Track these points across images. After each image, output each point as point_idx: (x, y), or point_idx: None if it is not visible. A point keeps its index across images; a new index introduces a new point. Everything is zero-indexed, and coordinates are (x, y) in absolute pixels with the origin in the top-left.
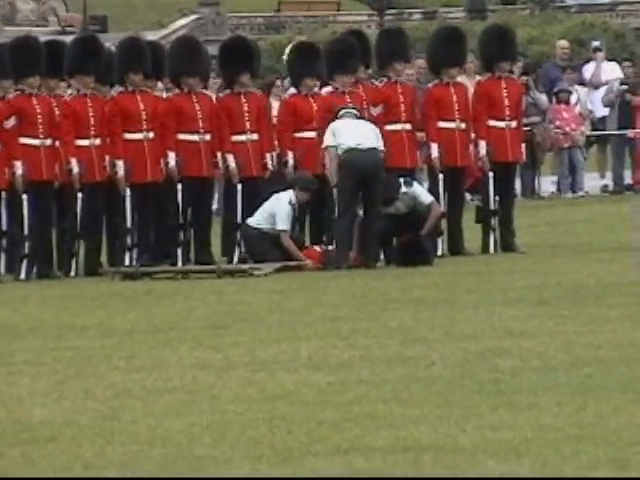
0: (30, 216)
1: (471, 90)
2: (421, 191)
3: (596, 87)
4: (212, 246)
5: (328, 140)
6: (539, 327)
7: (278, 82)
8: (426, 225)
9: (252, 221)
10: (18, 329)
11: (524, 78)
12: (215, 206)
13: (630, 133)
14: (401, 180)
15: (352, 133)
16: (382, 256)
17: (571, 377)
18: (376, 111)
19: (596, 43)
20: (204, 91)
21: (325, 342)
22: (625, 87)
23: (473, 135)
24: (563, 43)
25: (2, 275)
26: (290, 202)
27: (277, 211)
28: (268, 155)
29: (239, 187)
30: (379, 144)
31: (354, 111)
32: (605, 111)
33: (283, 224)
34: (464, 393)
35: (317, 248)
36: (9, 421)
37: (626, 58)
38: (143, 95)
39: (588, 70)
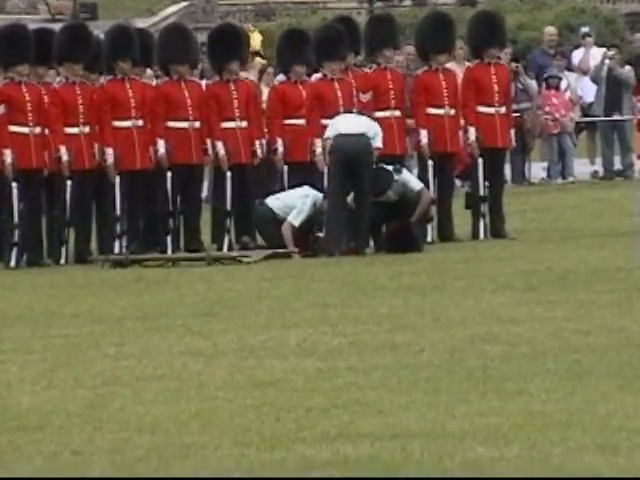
0: (20, 204)
1: (460, 76)
2: (410, 178)
3: (584, 73)
4: (202, 233)
5: (327, 133)
6: (528, 313)
7: (269, 69)
8: (416, 212)
9: (271, 202)
10: (7, 317)
11: (514, 64)
12: (205, 193)
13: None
14: (390, 168)
15: (344, 122)
16: (372, 243)
17: (560, 363)
18: (365, 98)
19: (585, 29)
20: (193, 78)
21: (314, 329)
22: (613, 58)
23: (462, 121)
24: (551, 30)
25: None
26: (315, 204)
27: (297, 205)
28: (257, 142)
29: (228, 174)
30: (370, 133)
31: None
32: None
33: (295, 219)
34: (453, 379)
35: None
36: None
37: (613, 44)
38: (132, 83)
39: (577, 56)
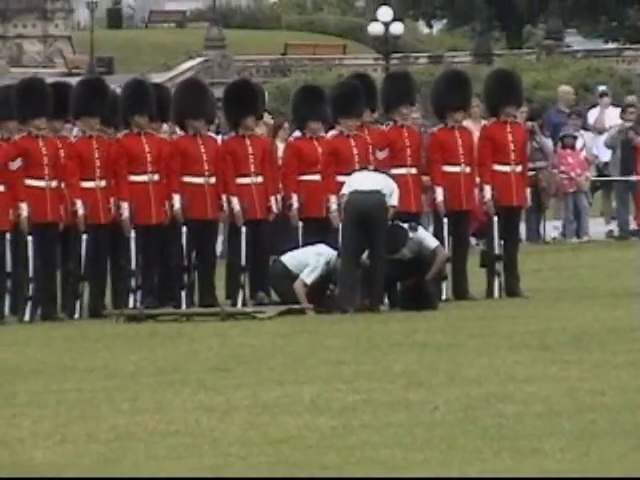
0: (35, 258)
1: (476, 134)
2: (426, 235)
3: (600, 132)
4: (216, 289)
5: (343, 190)
6: (543, 372)
7: (285, 125)
8: (431, 269)
9: (285, 259)
10: (21, 370)
11: (529, 123)
12: (219, 249)
13: (635, 178)
14: (406, 226)
15: (361, 179)
16: (386, 300)
17: (575, 423)
18: (382, 155)
19: (602, 88)
20: (209, 134)
21: (328, 386)
22: (629, 125)
23: (478, 179)
24: (567, 88)
25: (6, 316)
26: (328, 263)
27: (311, 263)
28: (272, 198)
29: (243, 230)
30: (386, 191)
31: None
32: (610, 156)
33: (308, 277)
34: (467, 438)
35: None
36: (11, 463)
37: (629, 104)
38: (148, 137)
39: (593, 115)
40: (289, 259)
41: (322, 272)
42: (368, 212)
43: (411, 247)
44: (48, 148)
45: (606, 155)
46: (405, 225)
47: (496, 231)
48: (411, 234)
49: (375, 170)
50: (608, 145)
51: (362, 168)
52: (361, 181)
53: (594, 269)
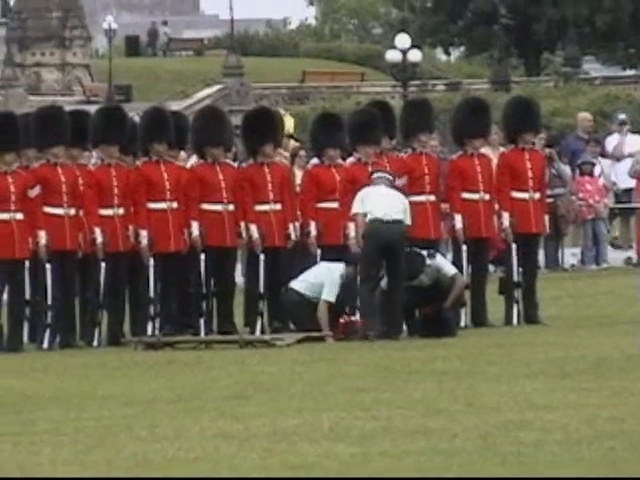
0: (53, 285)
1: (494, 161)
2: (444, 263)
3: (618, 159)
4: (234, 316)
5: (357, 207)
6: (562, 400)
7: (302, 152)
8: (450, 296)
9: (297, 286)
10: (40, 398)
11: (547, 150)
12: (238, 276)
13: None
14: (424, 253)
15: (380, 203)
16: (405, 327)
17: (594, 450)
18: (400, 182)
19: (622, 116)
20: (227, 161)
21: (347, 413)
22: None
23: (496, 206)
24: (585, 115)
25: (25, 344)
26: (342, 276)
27: (326, 281)
28: (291, 225)
29: (262, 257)
30: (405, 217)
31: (388, 176)
32: (629, 183)
33: (330, 295)
34: (487, 465)
35: (340, 319)
36: None
37: None
38: (167, 165)
39: (611, 142)
40: (300, 284)
41: (340, 286)
42: (391, 243)
43: (429, 274)
44: (67, 176)
45: (624, 182)
46: (424, 252)
47: (515, 258)
48: (429, 261)
49: (388, 185)
50: (632, 175)
51: (374, 172)
52: (380, 207)
53: (613, 296)
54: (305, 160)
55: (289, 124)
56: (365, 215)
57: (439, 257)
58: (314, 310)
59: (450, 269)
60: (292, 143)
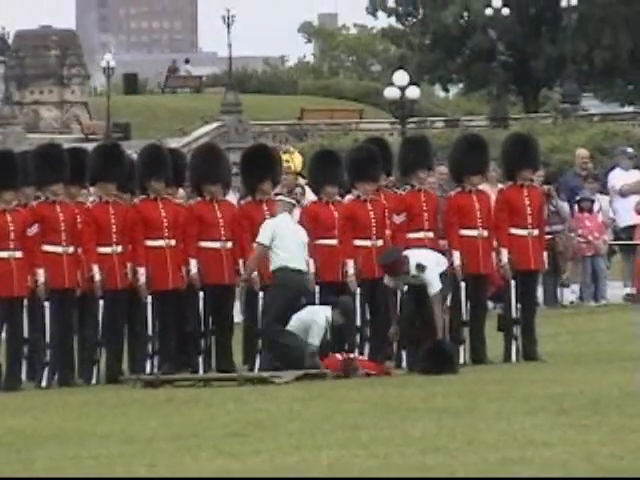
0: (52, 323)
1: (493, 198)
2: (431, 280)
3: (624, 196)
4: (233, 354)
5: (263, 237)
6: (561, 437)
7: (298, 189)
8: (436, 327)
9: (289, 327)
10: (39, 436)
11: (546, 187)
12: (237, 314)
13: None
14: (414, 263)
15: (289, 247)
16: (404, 364)
17: None
18: (399, 219)
19: (630, 150)
20: (226, 198)
21: (346, 450)
22: None
23: (495, 243)
24: (582, 152)
25: (23, 382)
26: (327, 320)
27: (312, 325)
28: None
29: (260, 295)
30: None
31: (291, 200)
32: (629, 220)
33: (315, 339)
34: None
35: (338, 356)
36: None
37: None
38: (164, 202)
39: (615, 177)
40: (294, 325)
41: (324, 331)
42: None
43: (411, 282)
44: (65, 214)
45: (624, 219)
46: (413, 263)
47: (513, 295)
48: (417, 273)
49: (292, 208)
50: (623, 193)
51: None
52: (291, 252)
53: (612, 333)
54: (302, 197)
55: (297, 161)
56: (268, 248)
57: (428, 272)
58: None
59: (433, 288)
60: (300, 180)
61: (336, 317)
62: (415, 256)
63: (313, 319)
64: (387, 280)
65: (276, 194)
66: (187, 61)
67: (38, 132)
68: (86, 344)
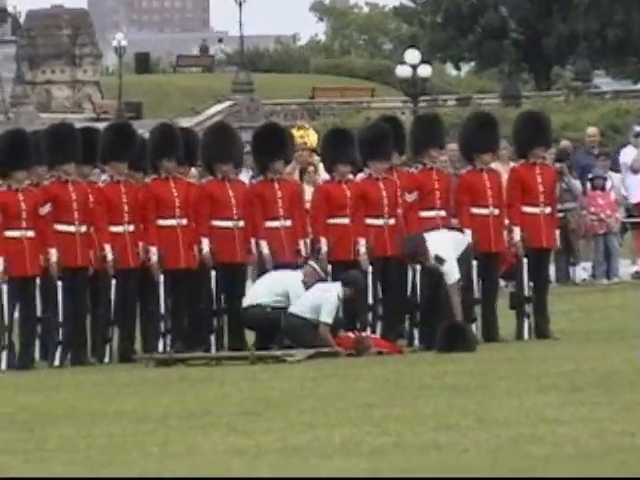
0: (64, 303)
1: (504, 176)
2: (449, 270)
3: (635, 172)
4: (245, 332)
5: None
6: (573, 414)
7: (310, 168)
8: (455, 311)
9: (296, 310)
10: (52, 415)
11: (558, 164)
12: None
13: None
14: (433, 255)
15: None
16: (416, 342)
17: (605, 464)
18: (411, 198)
19: (638, 128)
20: (237, 177)
21: (358, 428)
22: None
23: (507, 221)
24: (592, 131)
25: (36, 361)
26: (338, 297)
27: (324, 303)
28: (301, 241)
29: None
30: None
31: (318, 272)
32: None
33: (328, 317)
34: None
35: (350, 334)
36: None
37: None
38: (176, 181)
39: (627, 154)
40: (298, 308)
41: (336, 308)
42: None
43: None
44: (77, 193)
45: (638, 196)
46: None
47: (525, 273)
48: (432, 263)
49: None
50: (635, 170)
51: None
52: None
53: (624, 310)
54: (313, 176)
55: (312, 138)
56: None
57: (447, 265)
58: (316, 330)
59: (450, 278)
60: (315, 157)
61: (347, 292)
62: (435, 245)
63: (324, 297)
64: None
65: (306, 258)
66: (220, 40)
67: (50, 112)
68: (99, 323)
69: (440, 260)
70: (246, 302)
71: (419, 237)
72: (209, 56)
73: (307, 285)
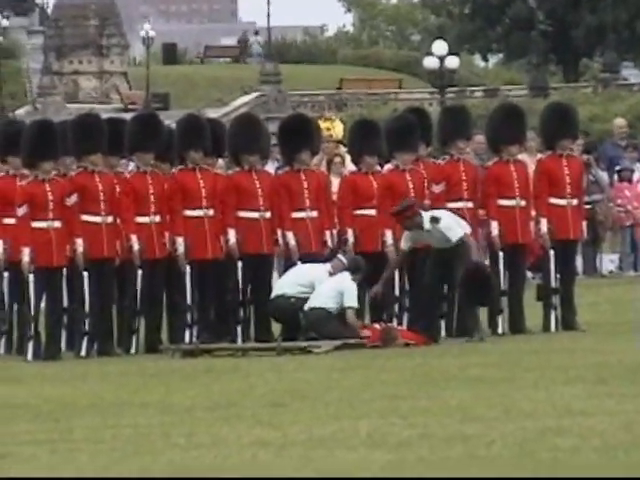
0: (91, 293)
1: (532, 168)
2: (449, 228)
3: None
4: (272, 323)
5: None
6: (599, 406)
7: (337, 159)
8: (472, 256)
9: (317, 303)
10: (78, 406)
11: (585, 156)
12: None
13: None
14: (427, 217)
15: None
16: (443, 333)
17: (631, 456)
18: (438, 189)
19: None
20: (264, 168)
21: (384, 420)
22: None
23: (534, 213)
24: (620, 122)
25: (63, 352)
26: (354, 280)
27: (345, 289)
28: (328, 232)
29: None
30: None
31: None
32: None
33: (353, 301)
34: (524, 472)
35: (377, 326)
36: None
37: None
38: (203, 172)
39: None
40: (318, 300)
41: (357, 291)
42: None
43: (421, 239)
44: (104, 184)
45: None
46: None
47: (552, 264)
48: (430, 226)
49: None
50: None
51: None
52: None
53: None
54: (340, 167)
55: (338, 129)
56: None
57: (444, 222)
58: (339, 320)
59: (454, 235)
60: (341, 149)
61: (357, 279)
62: (429, 213)
63: (344, 284)
64: (403, 242)
65: (334, 251)
66: (257, 33)
67: (77, 102)
68: (125, 314)
69: (435, 219)
70: (272, 294)
71: (411, 199)
72: (237, 47)
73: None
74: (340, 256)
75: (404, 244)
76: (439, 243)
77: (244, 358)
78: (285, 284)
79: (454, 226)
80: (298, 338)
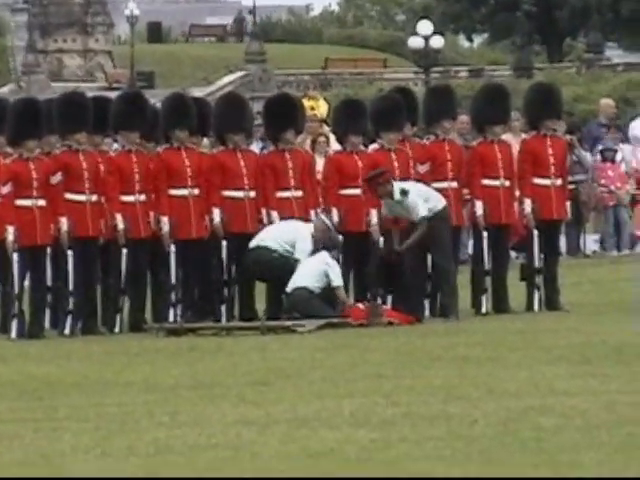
0: (75, 272)
1: (516, 148)
2: (415, 206)
3: None
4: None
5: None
6: (582, 385)
7: (321, 139)
8: (407, 241)
9: (299, 281)
10: (62, 384)
11: (569, 136)
12: None
13: None
14: (398, 188)
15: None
16: (427, 312)
17: (614, 436)
18: (423, 169)
19: None
20: (249, 148)
21: (368, 399)
22: None
23: (518, 193)
24: (609, 102)
25: (47, 330)
26: (333, 258)
27: (328, 269)
28: (312, 212)
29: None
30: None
31: (327, 224)
32: None
33: (339, 279)
34: (506, 451)
35: (361, 305)
36: (52, 477)
37: None
38: (188, 151)
39: (637, 127)
40: (306, 280)
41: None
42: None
43: (394, 211)
44: (88, 162)
45: None
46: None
47: (536, 244)
48: (401, 198)
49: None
50: None
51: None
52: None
53: (634, 282)
54: (324, 146)
55: (323, 109)
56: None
57: (411, 198)
58: (322, 299)
59: (418, 213)
60: (325, 128)
61: (334, 256)
62: (402, 183)
63: (327, 263)
64: (383, 208)
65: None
66: (251, 12)
67: (62, 80)
68: (109, 292)
69: (404, 192)
70: (252, 244)
71: (382, 168)
72: (221, 26)
73: (316, 240)
74: (323, 216)
75: (383, 210)
76: (409, 216)
77: (228, 337)
78: (267, 238)
79: (418, 204)
80: (282, 318)
